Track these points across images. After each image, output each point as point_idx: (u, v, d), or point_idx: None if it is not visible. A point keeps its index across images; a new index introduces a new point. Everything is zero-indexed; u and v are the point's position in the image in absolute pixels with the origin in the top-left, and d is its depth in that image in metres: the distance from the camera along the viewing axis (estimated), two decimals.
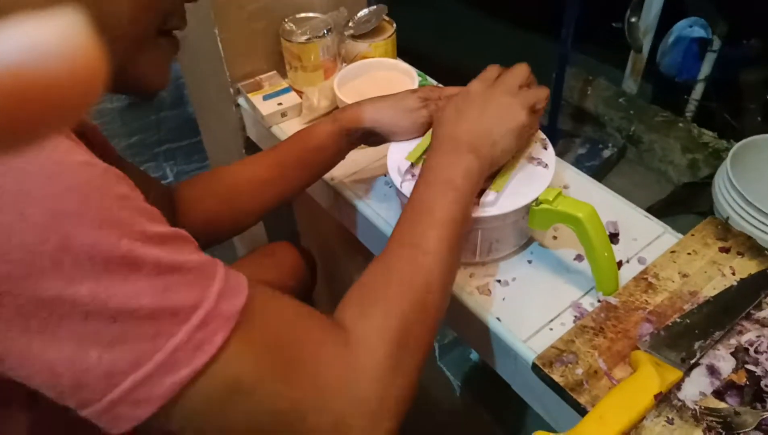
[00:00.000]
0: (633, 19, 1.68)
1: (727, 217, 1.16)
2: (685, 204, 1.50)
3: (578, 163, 1.63)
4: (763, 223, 1.10)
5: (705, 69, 1.67)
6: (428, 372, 0.94)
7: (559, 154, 1.63)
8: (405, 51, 0.99)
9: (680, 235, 0.70)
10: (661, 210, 1.49)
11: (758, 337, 0.57)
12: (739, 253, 0.66)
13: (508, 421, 1.14)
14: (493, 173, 0.63)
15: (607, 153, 1.65)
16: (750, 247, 0.67)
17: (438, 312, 0.52)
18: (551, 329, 0.61)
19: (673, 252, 0.67)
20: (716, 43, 1.65)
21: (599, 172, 1.62)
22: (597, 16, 2.28)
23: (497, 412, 0.97)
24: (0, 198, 0.33)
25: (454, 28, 2.61)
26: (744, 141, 1.22)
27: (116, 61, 0.45)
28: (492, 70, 0.66)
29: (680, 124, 1.65)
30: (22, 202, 0.33)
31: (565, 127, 1.78)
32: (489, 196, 0.62)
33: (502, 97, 0.61)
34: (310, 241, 1.19)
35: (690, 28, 1.90)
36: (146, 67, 0.49)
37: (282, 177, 0.73)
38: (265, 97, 0.92)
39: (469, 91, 0.63)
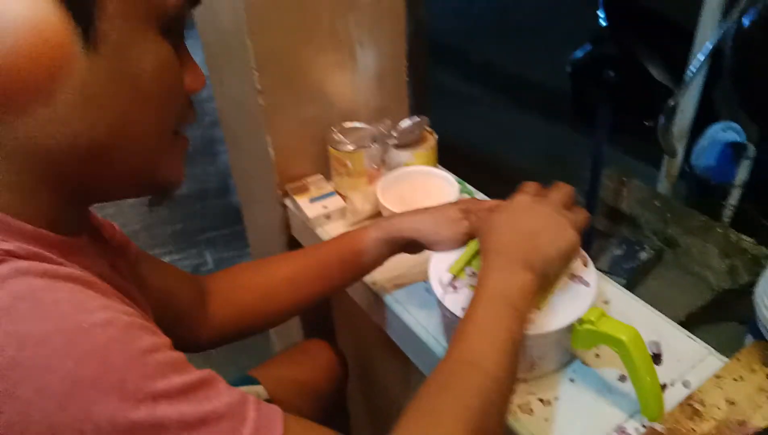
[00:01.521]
0: (665, 124, 1.71)
1: None
2: (726, 311, 1.47)
3: (615, 265, 1.63)
4: None
5: (741, 175, 1.68)
6: None
7: (595, 255, 1.64)
8: (444, 151, 1.03)
9: (724, 359, 0.69)
10: (702, 316, 1.46)
11: None
12: None
13: None
14: None
15: (644, 255, 1.64)
16: None
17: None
18: None
19: (718, 377, 0.65)
20: (750, 150, 1.66)
21: (636, 275, 1.61)
22: (631, 113, 2.33)
23: None
24: (16, 371, 0.33)
25: (491, 125, 2.68)
26: None
27: (140, 169, 0.47)
28: (533, 185, 0.67)
29: (717, 229, 1.64)
30: (40, 373, 0.33)
31: (600, 227, 1.79)
32: (532, 313, 0.62)
33: (554, 215, 0.62)
34: (346, 340, 1.19)
35: (723, 132, 1.93)
36: (166, 168, 0.49)
37: (321, 277, 0.74)
38: (311, 200, 0.96)
39: (519, 203, 0.64)
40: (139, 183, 0.49)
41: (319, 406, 0.97)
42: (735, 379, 0.65)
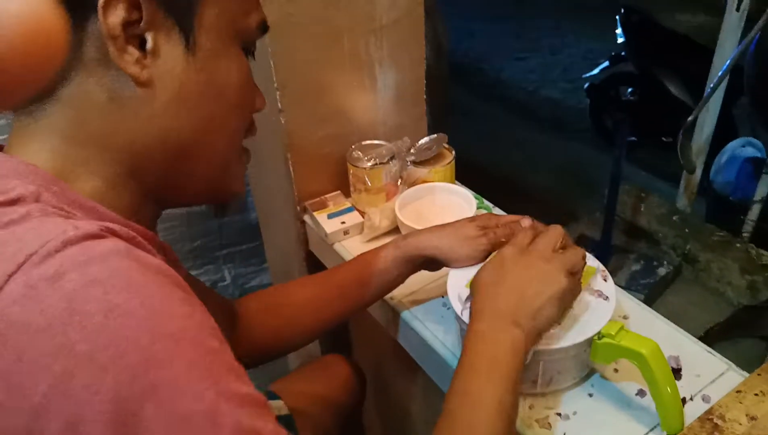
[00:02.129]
0: (683, 140, 1.71)
1: None
2: (745, 327, 1.45)
3: (633, 280, 1.62)
4: None
5: (761, 190, 1.67)
6: None
7: (614, 270, 1.63)
8: (462, 167, 1.04)
9: (744, 373, 0.68)
10: (721, 333, 1.45)
11: None
12: None
13: None
14: None
15: (662, 271, 1.63)
16: None
17: None
18: None
19: (738, 392, 0.65)
20: None
21: (655, 291, 1.60)
22: (649, 130, 2.33)
23: None
24: (101, 336, 0.34)
25: (509, 143, 2.69)
26: None
27: (213, 174, 0.52)
28: (524, 235, 0.66)
29: (737, 245, 1.63)
30: (120, 342, 0.34)
31: (618, 242, 1.78)
32: (551, 328, 0.63)
33: (539, 264, 0.61)
34: (364, 355, 1.20)
35: (743, 147, 1.92)
36: (233, 177, 0.54)
37: (341, 297, 0.75)
38: (330, 216, 0.97)
39: (503, 259, 0.63)
40: (210, 187, 0.53)
41: (337, 420, 0.98)
42: (756, 395, 0.65)
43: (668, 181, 1.97)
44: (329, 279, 0.77)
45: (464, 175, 1.06)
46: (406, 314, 0.82)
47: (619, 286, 0.81)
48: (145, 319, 0.36)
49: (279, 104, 0.93)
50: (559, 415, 0.65)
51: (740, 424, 0.62)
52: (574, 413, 0.66)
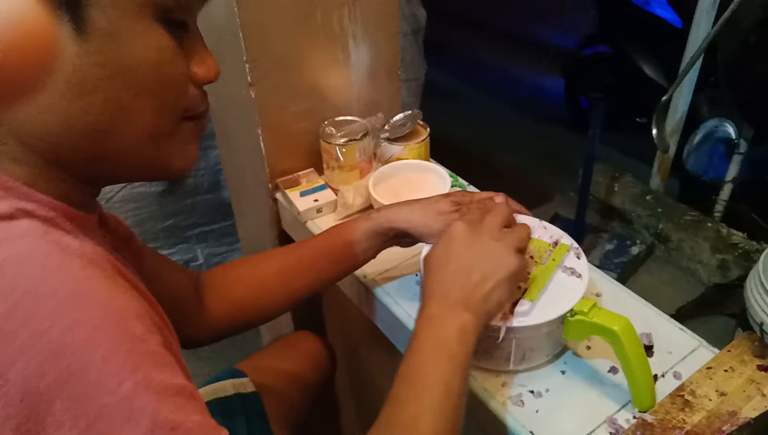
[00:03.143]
0: (658, 121, 1.72)
1: (761, 323, 1.14)
2: (716, 305, 1.48)
3: (606, 259, 1.63)
4: None
5: (732, 171, 1.69)
6: None
7: (587, 249, 1.64)
8: (438, 146, 1.03)
9: (716, 350, 0.69)
10: (692, 311, 1.47)
11: None
12: None
13: None
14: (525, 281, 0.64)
15: (635, 250, 1.65)
16: None
17: None
18: None
19: (709, 368, 0.66)
20: (743, 146, 1.67)
21: (627, 269, 1.61)
22: (623, 110, 2.34)
23: None
24: (7, 323, 0.33)
25: (482, 122, 2.69)
26: None
27: (142, 153, 0.47)
28: (474, 212, 0.65)
29: (709, 224, 1.65)
30: (27, 334, 0.33)
31: (592, 222, 1.79)
32: (523, 305, 0.62)
33: (489, 243, 0.60)
34: (336, 333, 1.19)
35: (716, 128, 1.94)
36: (170, 153, 0.49)
37: (313, 270, 0.74)
38: (302, 194, 0.95)
39: (452, 237, 0.62)
40: (145, 167, 0.49)
41: (306, 396, 0.97)
42: (726, 371, 0.65)
43: (642, 161, 1.98)
44: (299, 250, 0.75)
45: (440, 155, 1.05)
46: (378, 291, 0.81)
47: (593, 264, 0.81)
48: (57, 305, 0.34)
49: (249, 78, 0.90)
50: (532, 392, 0.65)
51: (710, 399, 0.62)
52: (547, 390, 0.65)
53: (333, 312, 1.19)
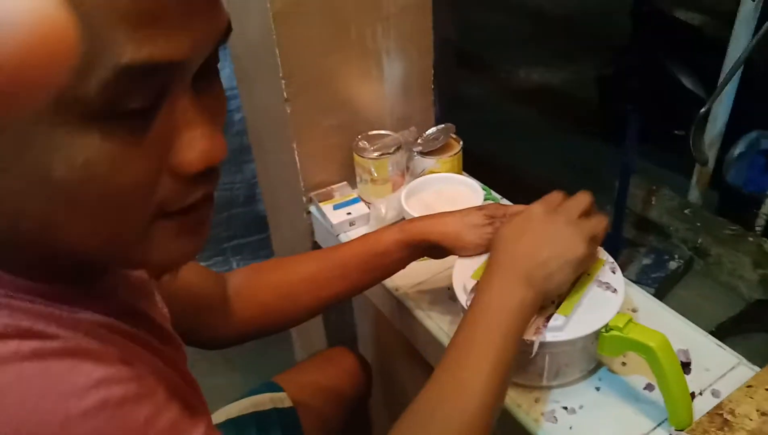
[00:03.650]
0: (696, 133, 1.69)
1: None
2: (757, 322, 1.43)
3: (643, 274, 1.60)
4: None
5: None
6: None
7: (624, 264, 1.61)
8: (470, 161, 1.03)
9: (756, 368, 0.67)
10: (733, 327, 1.43)
11: None
12: None
13: None
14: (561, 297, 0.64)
15: (673, 265, 1.61)
16: None
17: None
18: None
19: (749, 386, 0.64)
20: None
21: (665, 285, 1.58)
22: (661, 122, 2.30)
23: None
24: None
25: (517, 135, 2.67)
26: None
27: (104, 257, 0.40)
28: (555, 196, 0.67)
29: (750, 238, 1.61)
30: None
31: (628, 236, 1.76)
32: (557, 320, 0.62)
33: (563, 227, 0.62)
34: (369, 347, 1.19)
35: (756, 140, 1.90)
36: (145, 256, 0.39)
37: (341, 277, 0.74)
38: (336, 207, 0.96)
39: (531, 215, 0.64)
40: (119, 266, 0.44)
41: (342, 413, 0.97)
42: (767, 389, 0.64)
43: (680, 174, 1.94)
44: (330, 257, 0.75)
45: (472, 167, 1.05)
46: (410, 304, 0.81)
47: (630, 279, 0.80)
48: (59, 425, 0.33)
49: (285, 94, 0.92)
50: (566, 408, 0.65)
51: (751, 419, 0.61)
52: (581, 407, 0.65)
53: (365, 325, 1.20)
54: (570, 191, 0.68)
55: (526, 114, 2.91)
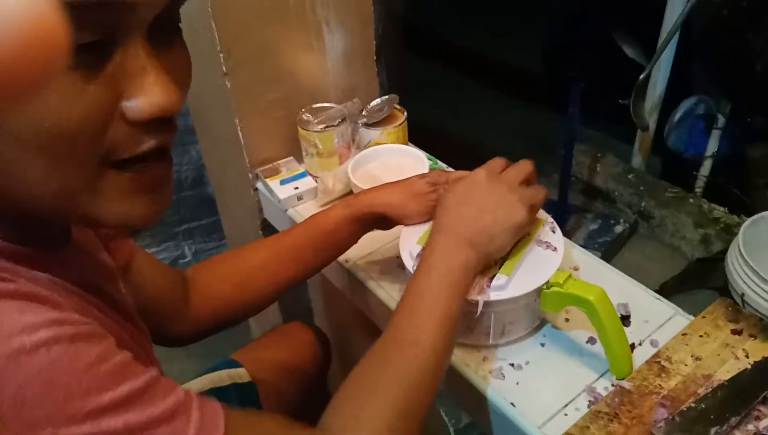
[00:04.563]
0: (637, 100, 1.73)
1: (743, 294, 1.15)
2: (699, 279, 1.49)
3: (590, 239, 1.65)
4: None
5: (711, 146, 1.70)
6: None
7: (571, 230, 1.65)
8: (416, 132, 1.03)
9: (691, 317, 0.70)
10: (676, 286, 1.48)
11: None
12: (751, 336, 0.66)
13: None
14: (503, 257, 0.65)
15: (618, 229, 1.66)
16: (762, 328, 0.67)
17: (427, 409, 0.53)
18: (566, 414, 0.61)
19: (684, 334, 0.67)
20: (721, 121, 1.69)
21: (611, 248, 1.63)
22: (604, 92, 2.35)
23: None
24: None
25: (463, 107, 2.69)
26: (755, 216, 1.23)
27: (58, 210, 0.39)
28: (498, 162, 0.68)
29: (690, 200, 1.67)
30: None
31: (575, 203, 1.81)
32: (500, 279, 0.63)
33: (505, 193, 0.63)
34: (324, 320, 1.20)
35: (696, 105, 1.96)
36: (99, 210, 0.39)
37: (295, 260, 0.74)
38: (282, 182, 0.95)
39: (474, 182, 0.65)
40: (74, 222, 0.45)
41: (301, 386, 0.98)
42: (701, 336, 0.66)
43: (624, 141, 1.99)
44: (281, 242, 0.76)
45: (420, 139, 1.05)
46: (361, 275, 0.82)
47: (578, 244, 0.82)
48: (6, 367, 0.33)
49: (224, 67, 0.90)
50: (513, 365, 0.66)
51: (686, 364, 0.64)
52: (527, 363, 0.66)
53: (319, 298, 1.20)
54: (517, 160, 0.69)
55: (473, 85, 2.93)
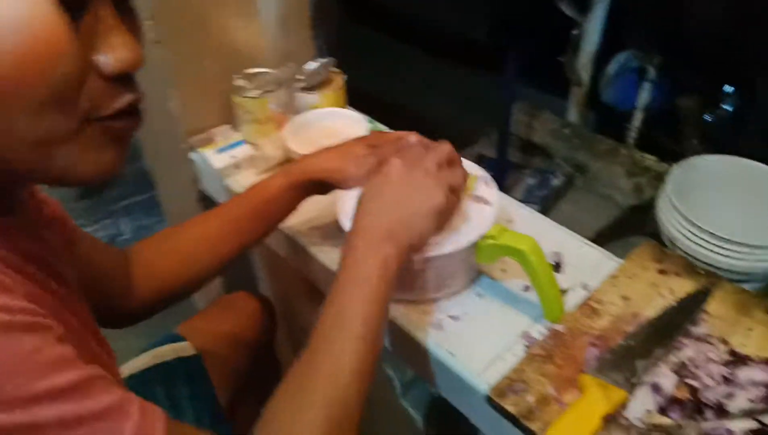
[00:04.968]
0: (571, 55, 1.77)
1: (672, 237, 1.21)
2: (632, 226, 1.56)
3: (529, 194, 1.69)
4: (705, 241, 1.16)
5: (642, 98, 1.76)
6: (392, 411, 0.96)
7: (511, 186, 1.69)
8: (359, 96, 1.03)
9: (621, 261, 0.74)
10: (610, 233, 1.54)
11: (696, 352, 0.61)
12: (675, 274, 0.70)
13: None
14: None
15: (555, 182, 1.71)
16: (685, 266, 0.71)
17: (357, 420, 0.52)
18: (504, 360, 0.63)
19: (614, 277, 0.70)
20: (651, 73, 1.74)
21: (550, 201, 1.67)
22: (542, 50, 2.38)
23: None
24: None
25: (405, 70, 2.68)
26: (681, 162, 1.29)
27: (29, 161, 0.40)
28: (413, 148, 0.66)
29: (623, 151, 1.73)
30: None
31: (515, 160, 1.84)
32: (437, 236, 0.65)
33: (422, 179, 0.61)
34: (269, 288, 1.20)
35: (628, 59, 2.01)
36: (72, 161, 0.42)
37: (237, 232, 0.74)
38: (219, 151, 0.94)
39: (389, 171, 0.62)
40: (40, 175, 0.44)
41: (248, 356, 0.98)
42: (629, 277, 0.70)
43: (559, 96, 2.04)
44: (221, 214, 0.75)
45: (363, 104, 1.04)
46: (303, 242, 0.82)
47: (517, 199, 0.84)
48: None
49: (154, 35, 0.87)
50: (452, 317, 0.68)
51: (615, 305, 0.67)
52: (465, 314, 0.69)
53: (263, 267, 1.20)
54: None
55: (414, 49, 2.92)
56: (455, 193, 0.64)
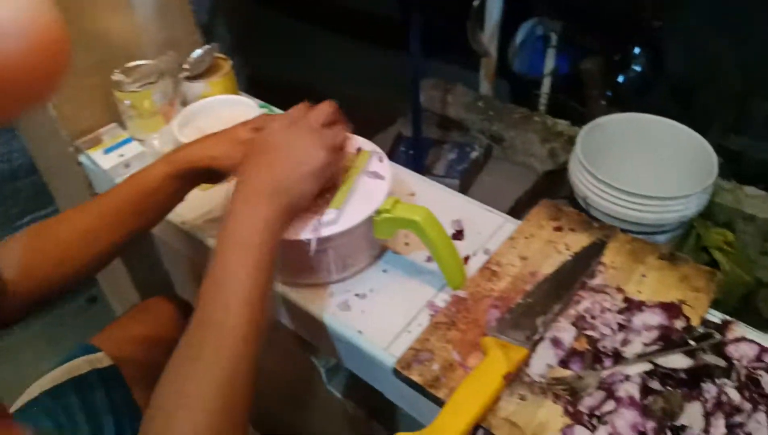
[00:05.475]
0: (474, 26, 1.77)
1: (585, 197, 1.24)
2: (549, 191, 1.59)
3: (450, 168, 1.69)
4: (615, 197, 1.19)
5: (548, 64, 1.79)
6: (320, 400, 0.94)
7: (432, 162, 1.69)
8: (262, 82, 0.99)
9: (519, 222, 0.74)
10: (528, 200, 1.57)
11: (593, 303, 0.62)
12: (571, 230, 0.71)
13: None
14: (330, 192, 0.65)
15: (474, 155, 1.73)
16: (580, 222, 0.72)
17: (251, 396, 0.51)
18: (409, 332, 0.62)
19: (512, 238, 0.70)
20: (554, 39, 1.78)
21: (470, 174, 1.69)
22: (451, 24, 2.39)
23: (390, 421, 0.99)
24: None
25: (311, 53, 2.64)
26: (589, 124, 1.31)
27: None
28: (298, 108, 0.65)
29: (536, 118, 1.76)
30: None
31: (432, 136, 1.85)
32: (330, 214, 0.63)
33: (302, 137, 0.61)
34: (185, 289, 1.16)
35: (534, 27, 2.04)
36: None
37: (116, 225, 0.69)
38: (106, 151, 0.89)
39: (269, 132, 0.62)
40: None
41: (167, 355, 0.94)
42: (526, 237, 0.70)
43: (471, 69, 2.05)
44: (100, 207, 0.70)
45: (266, 90, 1.00)
46: (201, 236, 0.79)
47: (438, 175, 0.83)
48: None
49: None
50: (357, 295, 0.67)
51: (513, 266, 0.67)
52: (371, 290, 0.68)
53: (176, 269, 1.15)
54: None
55: (320, 32, 2.88)
56: (337, 152, 0.63)
